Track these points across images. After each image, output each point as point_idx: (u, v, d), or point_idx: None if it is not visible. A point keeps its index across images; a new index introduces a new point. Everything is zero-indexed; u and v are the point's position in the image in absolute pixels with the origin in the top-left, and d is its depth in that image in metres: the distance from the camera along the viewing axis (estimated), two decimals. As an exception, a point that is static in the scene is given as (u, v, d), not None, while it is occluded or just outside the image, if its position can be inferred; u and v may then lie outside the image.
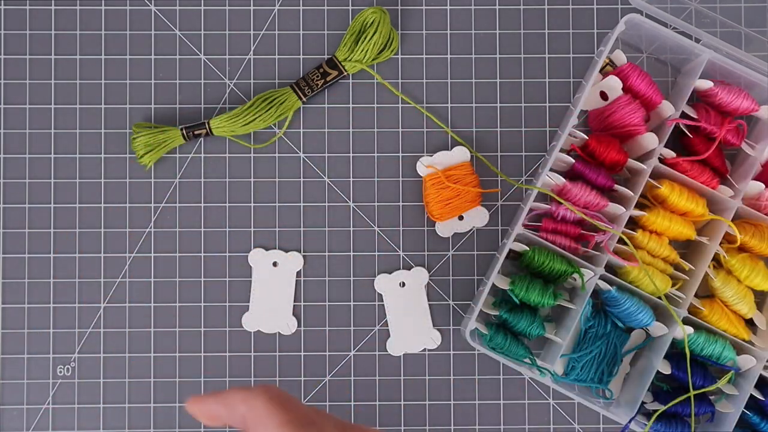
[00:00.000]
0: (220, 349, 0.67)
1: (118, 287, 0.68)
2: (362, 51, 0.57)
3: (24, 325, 0.67)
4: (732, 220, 0.63)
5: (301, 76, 0.59)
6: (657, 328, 0.63)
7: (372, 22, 0.62)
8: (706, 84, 0.64)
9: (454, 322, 0.68)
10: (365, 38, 0.60)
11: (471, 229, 0.68)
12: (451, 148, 0.67)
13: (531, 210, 0.64)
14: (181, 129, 0.64)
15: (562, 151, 0.64)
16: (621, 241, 0.63)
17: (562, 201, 0.62)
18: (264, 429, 0.33)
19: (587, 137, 0.64)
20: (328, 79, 0.54)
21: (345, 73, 0.58)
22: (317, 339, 0.68)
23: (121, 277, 0.68)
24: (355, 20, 0.63)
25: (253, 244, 0.68)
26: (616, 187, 0.63)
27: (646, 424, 0.63)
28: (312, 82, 0.53)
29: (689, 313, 0.63)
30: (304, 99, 0.61)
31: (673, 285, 0.64)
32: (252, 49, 0.69)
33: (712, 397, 0.64)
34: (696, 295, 0.64)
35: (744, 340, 0.63)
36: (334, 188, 0.68)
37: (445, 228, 0.68)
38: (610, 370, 0.64)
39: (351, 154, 0.68)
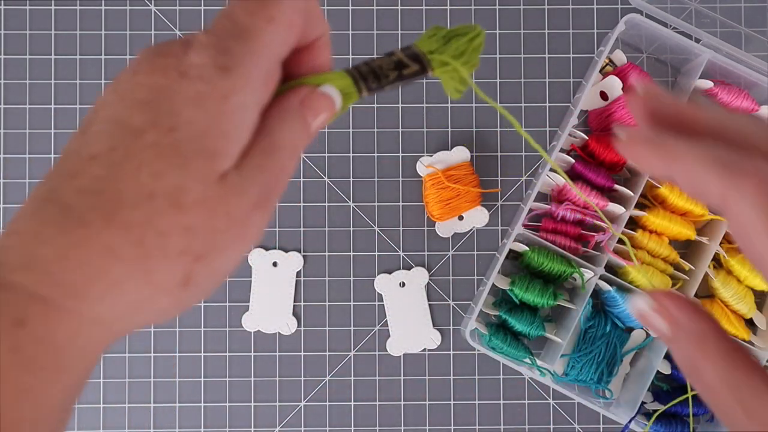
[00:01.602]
0: (220, 349, 0.67)
1: (118, 287, 0.67)
2: (456, 49, 0.38)
3: (24, 325, 0.67)
4: (732, 220, 0.63)
5: (365, 62, 0.34)
6: (657, 328, 0.63)
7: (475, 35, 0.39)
8: (706, 84, 0.64)
9: (454, 322, 0.68)
10: (460, 39, 0.39)
11: (471, 229, 0.68)
12: (451, 148, 0.67)
13: (531, 210, 0.64)
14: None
15: (562, 151, 0.64)
16: (621, 241, 0.63)
17: (577, 191, 0.62)
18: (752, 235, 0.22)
19: (587, 137, 0.64)
20: (404, 72, 0.33)
21: (428, 72, 0.36)
22: (317, 339, 0.68)
23: (121, 277, 0.68)
24: (451, 30, 0.39)
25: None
26: (616, 187, 0.63)
27: (645, 424, 0.63)
28: (381, 71, 0.32)
29: (689, 313, 0.63)
30: (366, 93, 0.33)
31: (673, 285, 0.64)
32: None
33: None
34: (696, 295, 0.64)
35: (744, 340, 0.63)
36: (334, 188, 0.68)
37: (445, 228, 0.68)
38: (610, 370, 0.64)
39: (351, 154, 0.68)
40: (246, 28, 0.23)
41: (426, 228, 0.68)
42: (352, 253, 0.68)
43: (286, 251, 0.68)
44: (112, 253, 0.21)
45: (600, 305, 0.66)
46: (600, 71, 0.65)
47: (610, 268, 0.65)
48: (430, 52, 0.35)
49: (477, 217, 0.68)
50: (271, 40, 0.23)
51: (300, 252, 0.68)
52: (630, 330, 0.66)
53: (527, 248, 0.62)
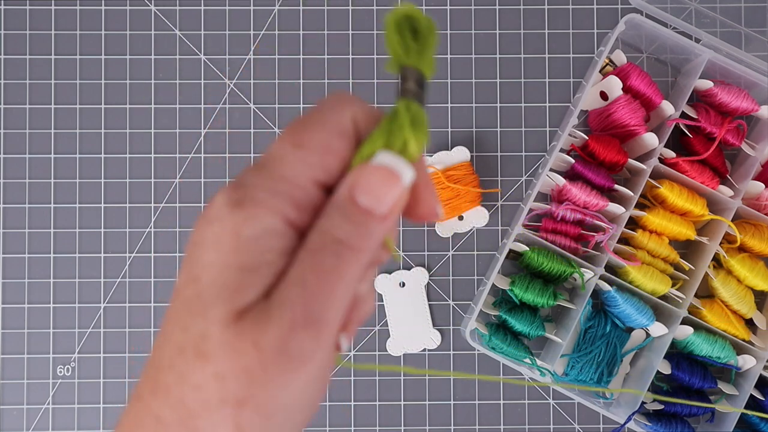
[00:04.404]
0: (220, 349, 0.67)
1: (118, 287, 0.68)
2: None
3: (24, 325, 0.67)
4: (732, 220, 0.63)
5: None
6: (657, 328, 0.63)
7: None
8: (706, 84, 0.64)
9: (454, 322, 0.68)
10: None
11: (471, 229, 0.68)
12: (451, 148, 0.67)
13: (531, 210, 0.64)
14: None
15: (562, 151, 0.64)
16: (621, 241, 0.63)
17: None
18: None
19: (587, 137, 0.64)
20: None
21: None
22: (317, 339, 0.68)
23: (121, 277, 0.68)
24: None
25: (253, 244, 0.68)
26: (616, 187, 0.63)
27: (646, 424, 0.63)
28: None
29: (689, 313, 0.63)
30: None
31: (673, 285, 0.64)
32: (252, 49, 0.69)
33: (712, 397, 0.64)
34: (696, 295, 0.64)
35: (744, 340, 0.63)
36: (334, 188, 0.68)
37: (445, 228, 0.68)
38: (610, 370, 0.64)
39: (351, 154, 0.68)
40: (270, 157, 0.22)
41: (426, 228, 0.68)
42: (352, 253, 0.68)
43: (286, 251, 0.68)
44: (160, 423, 0.21)
45: (600, 305, 0.66)
46: (600, 71, 0.65)
47: (610, 268, 0.65)
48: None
49: (477, 217, 0.68)
50: (295, 165, 0.21)
51: (300, 252, 0.68)
52: (630, 330, 0.66)
53: (527, 248, 0.62)
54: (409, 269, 0.68)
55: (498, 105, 0.69)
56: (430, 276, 0.68)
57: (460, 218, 0.68)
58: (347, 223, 0.21)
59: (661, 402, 0.64)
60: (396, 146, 0.21)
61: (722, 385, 0.64)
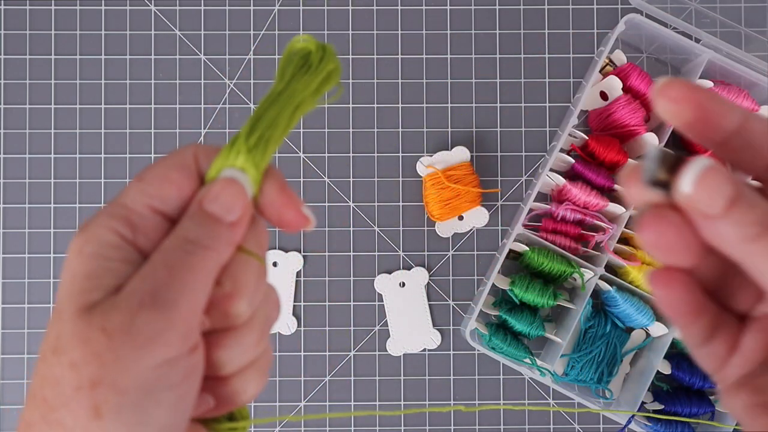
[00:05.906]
0: (220, 349, 0.67)
1: (118, 287, 0.67)
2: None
3: (24, 325, 0.67)
4: (732, 220, 0.63)
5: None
6: (657, 328, 0.63)
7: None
8: (706, 84, 0.64)
9: (454, 322, 0.68)
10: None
11: (471, 229, 0.68)
12: (451, 148, 0.67)
13: (531, 210, 0.64)
14: None
15: (562, 151, 0.64)
16: (621, 241, 0.63)
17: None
18: None
19: (587, 137, 0.64)
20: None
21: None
22: (317, 339, 0.68)
23: (121, 277, 0.68)
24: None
25: (253, 244, 0.68)
26: (616, 187, 0.63)
27: (646, 424, 0.63)
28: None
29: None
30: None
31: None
32: (252, 49, 0.69)
33: (712, 398, 0.64)
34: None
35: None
36: (334, 188, 0.68)
37: (445, 228, 0.68)
38: (610, 370, 0.64)
39: (351, 154, 0.68)
40: (118, 193, 0.25)
41: (426, 228, 0.68)
42: (352, 253, 0.68)
43: (286, 251, 0.68)
44: (29, 427, 0.23)
45: (600, 305, 0.66)
46: (600, 71, 0.65)
47: (610, 268, 0.65)
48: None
49: (477, 217, 0.68)
50: (134, 194, 0.24)
51: (300, 252, 0.68)
52: (630, 330, 0.66)
53: (527, 248, 0.63)
54: (409, 269, 0.68)
55: (498, 105, 0.69)
56: (430, 276, 0.68)
57: (460, 218, 0.68)
58: (197, 227, 0.24)
59: (661, 401, 0.64)
60: (236, 163, 0.25)
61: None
